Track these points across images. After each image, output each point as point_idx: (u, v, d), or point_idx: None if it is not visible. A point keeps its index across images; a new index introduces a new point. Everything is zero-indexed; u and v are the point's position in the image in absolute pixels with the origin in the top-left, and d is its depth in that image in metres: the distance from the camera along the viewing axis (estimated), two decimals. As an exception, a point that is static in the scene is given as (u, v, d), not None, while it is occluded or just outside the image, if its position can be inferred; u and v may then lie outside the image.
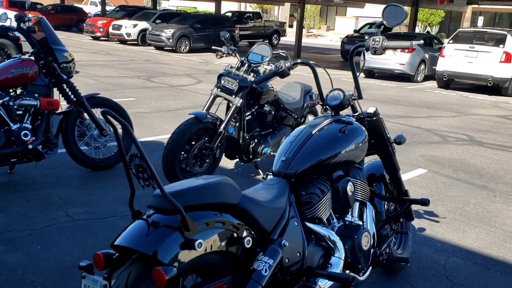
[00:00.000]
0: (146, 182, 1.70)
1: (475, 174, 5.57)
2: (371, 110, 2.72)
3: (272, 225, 2.07)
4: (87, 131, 4.65)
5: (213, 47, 5.27)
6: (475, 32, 13.38)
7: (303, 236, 2.19)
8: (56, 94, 4.38)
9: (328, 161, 2.37)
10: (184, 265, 1.69)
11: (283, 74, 3.54)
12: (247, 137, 4.62)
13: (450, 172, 5.57)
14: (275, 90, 4.78)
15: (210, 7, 36.22)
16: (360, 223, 2.51)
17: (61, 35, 4.57)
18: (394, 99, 10.79)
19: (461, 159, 6.18)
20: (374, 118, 2.72)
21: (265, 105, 4.75)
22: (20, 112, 4.15)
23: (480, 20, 34.74)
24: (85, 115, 4.59)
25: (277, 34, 25.93)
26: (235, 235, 1.86)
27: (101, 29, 21.16)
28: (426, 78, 14.48)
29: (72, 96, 4.45)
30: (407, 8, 2.65)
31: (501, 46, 12.16)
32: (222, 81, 4.52)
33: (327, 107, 2.66)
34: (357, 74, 2.74)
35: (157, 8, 30.79)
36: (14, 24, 4.32)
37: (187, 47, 18.88)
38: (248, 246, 1.89)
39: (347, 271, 2.37)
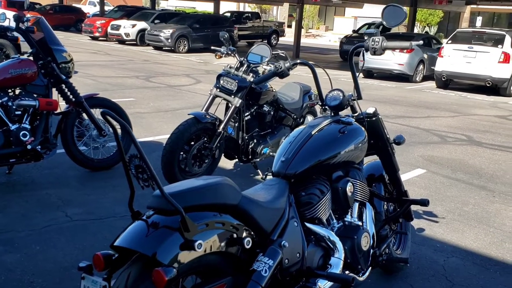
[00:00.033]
0: (145, 183, 1.70)
1: (474, 174, 5.58)
2: (370, 110, 2.72)
3: (272, 225, 2.07)
4: (86, 131, 4.65)
5: (212, 47, 5.27)
6: (473, 33, 13.40)
7: (303, 236, 2.19)
8: (55, 94, 4.37)
9: (328, 162, 2.37)
10: (184, 266, 1.69)
11: (282, 74, 3.54)
12: (246, 137, 4.62)
13: (449, 172, 5.57)
14: (274, 90, 4.78)
15: (208, 7, 36.20)
16: (360, 223, 2.51)
17: (60, 35, 4.57)
18: (393, 99, 10.79)
19: (460, 159, 6.18)
20: (374, 119, 2.72)
21: (264, 105, 4.75)
22: (19, 112, 4.14)
23: (479, 20, 34.78)
24: (84, 115, 4.59)
25: (276, 34, 25.92)
26: (235, 235, 1.86)
27: (99, 29, 21.14)
28: (425, 78, 14.49)
29: (71, 97, 4.44)
30: (406, 9, 2.65)
31: (499, 46, 12.18)
32: (221, 82, 4.52)
33: (326, 107, 2.66)
34: (357, 74, 2.74)
35: (156, 8, 30.77)
36: (13, 24, 4.31)
37: (186, 47, 18.87)
38: (248, 247, 1.89)
39: (347, 272, 2.37)
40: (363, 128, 2.60)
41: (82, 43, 19.54)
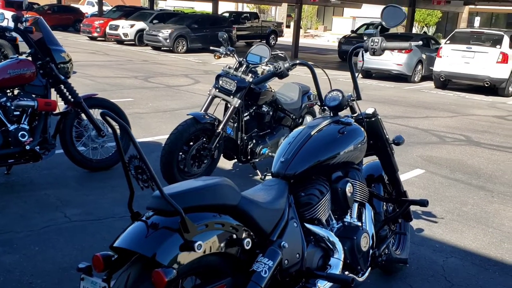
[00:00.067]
0: (145, 184, 1.70)
1: (472, 174, 5.58)
2: (370, 111, 2.72)
3: (272, 226, 2.06)
4: (84, 131, 4.64)
5: (211, 48, 5.27)
6: (472, 33, 13.42)
7: (302, 237, 2.19)
8: (54, 95, 4.36)
9: (327, 162, 2.37)
10: (183, 267, 1.69)
11: (281, 75, 3.54)
12: (245, 137, 4.61)
13: (447, 173, 5.58)
14: (273, 90, 4.78)
15: (207, 7, 36.20)
16: (359, 224, 2.51)
17: (58, 35, 4.56)
18: (391, 99, 10.80)
19: (458, 159, 6.19)
20: (373, 119, 2.72)
21: (263, 105, 4.75)
22: (18, 112, 4.13)
23: (477, 21, 34.83)
24: (83, 115, 4.58)
25: (274, 34, 25.93)
26: (234, 236, 1.86)
27: (98, 29, 21.13)
28: (423, 78, 14.50)
29: (69, 97, 4.44)
30: (405, 9, 2.65)
31: (498, 46, 12.19)
32: (220, 82, 4.51)
33: (325, 107, 2.66)
34: (356, 75, 2.74)
35: (154, 8, 30.75)
36: (11, 24, 4.30)
37: (184, 48, 18.86)
38: (247, 248, 1.89)
39: (346, 272, 2.37)
40: (362, 129, 2.59)
41: (80, 43, 19.52)
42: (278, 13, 44.40)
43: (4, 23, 4.80)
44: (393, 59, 13.61)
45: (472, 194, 4.90)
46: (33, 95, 4.20)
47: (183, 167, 4.30)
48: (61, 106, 4.44)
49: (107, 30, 20.66)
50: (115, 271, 1.73)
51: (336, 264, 2.26)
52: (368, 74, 14.50)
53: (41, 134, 4.23)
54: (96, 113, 4.64)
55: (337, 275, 2.17)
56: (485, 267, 3.40)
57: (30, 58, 4.24)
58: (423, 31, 34.47)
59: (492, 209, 4.52)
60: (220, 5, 27.32)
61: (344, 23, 39.88)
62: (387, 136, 2.80)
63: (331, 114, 2.63)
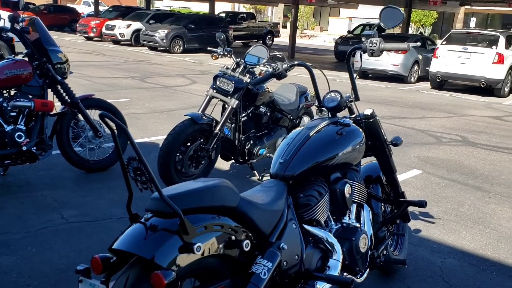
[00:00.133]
0: (144, 185, 1.69)
1: (469, 175, 5.59)
2: (368, 112, 2.72)
3: (271, 227, 2.06)
4: (81, 132, 4.62)
5: (208, 48, 5.26)
6: (468, 33, 13.46)
7: (301, 238, 2.19)
8: (51, 95, 4.34)
9: (326, 163, 2.36)
10: (182, 269, 1.68)
11: (280, 75, 3.54)
12: (242, 138, 4.61)
13: (444, 173, 5.59)
14: (270, 91, 4.78)
15: (203, 8, 36.18)
16: (358, 225, 2.51)
17: (54, 35, 4.54)
18: (388, 100, 10.82)
19: (455, 160, 6.20)
20: (371, 120, 2.72)
21: (261, 106, 4.74)
22: (14, 113, 4.11)
23: (473, 21, 34.94)
24: (80, 116, 4.57)
25: (271, 34, 25.94)
26: (233, 238, 1.85)
27: (94, 29, 21.08)
28: (420, 79, 14.54)
29: (66, 97, 4.42)
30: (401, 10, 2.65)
31: (493, 47, 12.23)
32: (218, 82, 4.51)
33: (322, 108, 2.66)
34: (354, 75, 2.74)
35: (151, 8, 30.70)
36: (8, 24, 4.29)
37: (181, 48, 18.84)
38: (246, 249, 1.88)
39: (345, 273, 2.37)
40: (360, 130, 2.59)
41: (76, 43, 19.47)
42: (275, 14, 44.42)
43: (1, 23, 4.78)
44: (390, 60, 13.64)
45: (469, 195, 4.91)
46: (30, 96, 4.18)
47: (180, 168, 4.30)
48: (57, 106, 4.42)
49: (104, 30, 20.61)
50: (114, 273, 1.72)
51: (335, 265, 2.25)
52: (365, 74, 14.52)
53: (38, 135, 4.21)
54: (93, 113, 4.62)
55: (336, 277, 2.17)
56: (483, 267, 3.40)
57: (26, 59, 4.22)
58: (419, 32, 34.56)
59: (489, 210, 4.53)
60: (216, 5, 27.32)
61: (340, 24, 39.95)
62: (385, 137, 2.80)
63: (330, 115, 2.63)
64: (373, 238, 2.59)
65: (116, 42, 20.41)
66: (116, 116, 4.66)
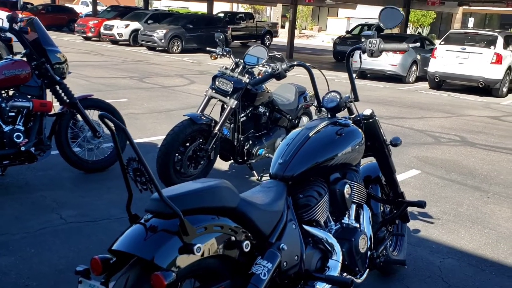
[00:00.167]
0: (144, 186, 1.69)
1: (468, 175, 5.60)
2: (367, 112, 2.72)
3: (270, 228, 2.06)
4: (80, 132, 4.61)
5: (207, 49, 5.26)
6: (466, 34, 13.49)
7: (301, 239, 2.18)
8: (49, 96, 4.34)
9: (325, 164, 2.36)
10: (182, 270, 1.68)
11: (279, 76, 3.53)
12: (241, 138, 4.61)
13: (443, 173, 5.59)
14: (269, 91, 4.78)
15: (202, 8, 36.16)
16: (357, 225, 2.51)
17: (52, 35, 4.53)
18: (386, 100, 10.83)
19: (454, 160, 6.21)
20: (371, 120, 2.72)
21: (260, 106, 4.74)
22: (13, 113, 4.10)
23: (471, 21, 35.01)
24: (78, 116, 4.56)
25: (269, 34, 25.95)
26: (233, 239, 1.85)
27: (92, 29, 21.06)
28: (418, 79, 14.55)
29: (65, 98, 4.41)
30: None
31: (492, 47, 12.26)
32: (217, 83, 4.51)
33: (321, 108, 2.66)
34: (354, 76, 2.74)
35: (149, 8, 30.68)
36: (6, 24, 4.27)
37: (179, 48, 18.83)
38: (246, 250, 1.88)
39: (345, 274, 2.37)
40: (360, 130, 2.59)
41: (74, 43, 19.45)
42: (273, 14, 44.44)
43: (-1, 23, 4.77)
44: (388, 60, 13.65)
45: (468, 195, 4.91)
46: (28, 96, 4.17)
47: (179, 168, 4.29)
48: (56, 107, 4.41)
49: (102, 30, 20.59)
50: (114, 274, 1.72)
51: (335, 266, 2.25)
52: (363, 74, 14.53)
53: (37, 135, 4.20)
54: (91, 114, 4.62)
55: (336, 277, 2.17)
56: (482, 267, 3.41)
57: (25, 59, 4.21)
58: (417, 32, 34.60)
59: (488, 210, 4.54)
60: (215, 5, 27.30)
61: (338, 24, 39.96)
62: (384, 138, 2.80)
63: (329, 116, 2.63)
64: (372, 239, 2.59)
65: (114, 42, 20.38)
66: (115, 116, 4.65)
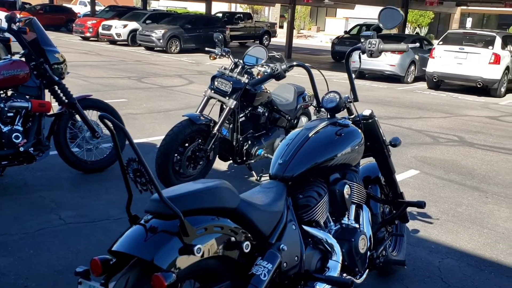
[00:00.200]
0: (144, 187, 1.68)
1: (466, 175, 5.61)
2: (367, 112, 2.72)
3: (270, 229, 2.06)
4: (79, 133, 4.61)
5: (206, 49, 5.26)
6: (464, 34, 13.51)
7: (301, 239, 2.18)
8: (48, 96, 4.33)
9: (325, 164, 2.36)
10: (183, 271, 1.68)
11: (279, 76, 3.54)
12: (240, 138, 4.60)
13: (442, 173, 5.60)
14: (268, 91, 4.78)
15: (200, 8, 36.14)
16: (357, 226, 2.51)
17: (50, 36, 4.52)
18: (385, 100, 10.84)
19: (452, 160, 6.22)
20: (370, 121, 2.72)
21: (259, 106, 4.74)
22: (11, 114, 4.09)
23: (469, 22, 35.06)
24: (77, 117, 4.55)
25: (267, 35, 25.95)
26: (233, 239, 1.85)
27: (90, 29, 21.03)
28: (416, 79, 14.57)
29: (63, 98, 4.40)
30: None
31: (490, 47, 12.27)
32: (216, 83, 4.50)
33: (320, 108, 2.66)
34: (353, 76, 2.74)
35: (147, 8, 30.66)
36: (5, 25, 4.26)
37: (178, 48, 18.82)
38: (246, 251, 1.88)
39: (344, 274, 2.37)
40: (359, 131, 2.59)
41: (73, 43, 19.42)
42: (271, 14, 44.44)
43: (-3, 24, 4.76)
44: (386, 60, 13.67)
45: (467, 195, 4.92)
46: (27, 96, 4.16)
47: (178, 169, 4.29)
48: (55, 107, 4.40)
49: (100, 30, 20.56)
50: (113, 275, 1.72)
51: (335, 267, 2.25)
52: (361, 74, 14.54)
53: (35, 135, 4.19)
54: (90, 114, 4.61)
55: (336, 278, 2.17)
56: (481, 267, 3.41)
57: (23, 59, 4.20)
58: (415, 32, 34.63)
59: (487, 210, 4.54)
60: (213, 5, 27.28)
61: (337, 24, 39.98)
62: (384, 138, 2.80)
63: (328, 116, 2.63)
64: (372, 239, 2.59)
65: (113, 42, 20.36)
66: (114, 116, 4.62)
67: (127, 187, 1.73)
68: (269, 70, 4.00)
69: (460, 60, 12.39)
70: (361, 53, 2.61)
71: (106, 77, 11.01)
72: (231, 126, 4.57)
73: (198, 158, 4.36)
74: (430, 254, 3.54)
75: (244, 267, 1.92)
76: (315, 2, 26.82)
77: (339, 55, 19.13)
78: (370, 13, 30.83)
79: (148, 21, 20.68)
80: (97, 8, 28.91)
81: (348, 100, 2.67)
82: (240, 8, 41.26)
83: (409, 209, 4.11)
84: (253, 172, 4.74)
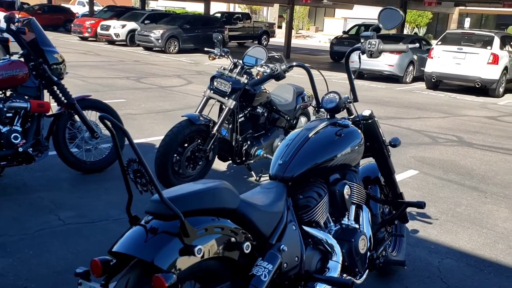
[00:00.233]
0: (144, 188, 1.68)
1: (465, 175, 5.61)
2: (366, 113, 2.72)
3: (271, 229, 2.06)
4: (78, 133, 4.60)
5: (205, 49, 5.25)
6: (463, 34, 13.52)
7: (301, 240, 2.18)
8: (47, 96, 4.32)
9: (325, 165, 2.36)
10: (183, 272, 1.67)
11: (278, 76, 3.53)
12: (240, 139, 4.60)
13: (441, 173, 5.60)
14: (267, 92, 4.78)
15: (199, 8, 36.13)
16: (357, 226, 2.51)
17: (49, 36, 4.51)
18: (383, 100, 10.84)
19: (451, 160, 6.22)
20: (370, 121, 2.72)
21: (258, 107, 4.74)
22: (10, 114, 4.08)
23: (467, 22, 35.10)
24: (76, 117, 4.54)
25: (266, 35, 25.96)
26: (234, 240, 1.85)
27: (89, 30, 21.00)
28: (415, 79, 14.58)
29: (62, 98, 4.40)
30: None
31: (488, 47, 12.29)
32: (215, 83, 4.50)
33: (319, 109, 2.66)
34: (353, 77, 2.74)
35: (146, 8, 30.63)
36: (3, 25, 4.26)
37: (176, 48, 18.81)
38: (247, 251, 1.87)
39: (344, 275, 2.37)
40: (359, 131, 2.59)
41: (71, 43, 19.40)
42: (270, 14, 44.43)
43: (-4, 24, 4.75)
44: (385, 60, 13.67)
45: (466, 195, 4.92)
46: (26, 97, 4.15)
47: (177, 169, 4.28)
48: (54, 107, 4.39)
49: (98, 30, 20.54)
50: (114, 276, 1.72)
51: (335, 267, 2.25)
52: (360, 75, 14.54)
53: (34, 136, 4.18)
54: (89, 114, 4.60)
55: (336, 279, 2.17)
56: (480, 268, 3.41)
57: (22, 59, 4.20)
58: (414, 32, 34.66)
59: (486, 210, 4.55)
60: (212, 6, 27.28)
61: (335, 24, 40.01)
62: (383, 138, 2.80)
63: (328, 116, 2.63)
64: (372, 239, 2.59)
65: (111, 42, 20.34)
66: (113, 117, 4.61)
67: (127, 187, 1.72)
68: (268, 71, 3.99)
69: (458, 60, 12.41)
70: (360, 54, 2.60)
71: (104, 77, 11.00)
72: (230, 126, 4.57)
73: (198, 159, 4.35)
74: (429, 254, 3.54)
75: (245, 267, 1.92)
76: (313, 2, 26.82)
77: (338, 55, 19.14)
78: (368, 13, 30.85)
79: (146, 21, 20.67)
80: (96, 8, 28.86)
81: (348, 100, 2.67)
82: (239, 8, 41.26)
83: (408, 209, 4.12)
84: (252, 172, 4.74)
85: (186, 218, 1.67)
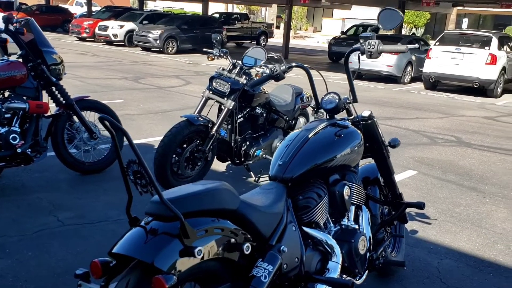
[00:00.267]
0: (144, 189, 1.67)
1: (464, 175, 5.62)
2: (366, 113, 2.73)
3: (271, 230, 2.05)
4: (76, 134, 4.59)
5: (204, 50, 5.25)
6: (461, 34, 13.53)
7: (301, 241, 2.18)
8: (45, 97, 4.31)
9: (325, 165, 2.36)
10: (183, 273, 1.67)
11: (278, 77, 3.53)
12: (239, 139, 4.60)
13: (439, 174, 5.61)
14: (266, 92, 4.78)
15: (197, 8, 36.13)
16: (356, 227, 2.51)
17: (47, 36, 4.51)
18: (382, 100, 10.85)
19: (450, 160, 6.23)
20: (369, 122, 2.72)
21: (257, 107, 4.74)
22: (9, 115, 4.07)
23: (465, 22, 35.15)
24: (75, 118, 4.54)
25: (264, 35, 25.96)
26: (234, 241, 1.84)
27: (87, 30, 20.97)
28: (413, 79, 14.59)
29: (61, 99, 4.39)
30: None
31: (486, 48, 12.31)
32: (214, 84, 4.50)
33: (318, 109, 2.66)
34: (352, 77, 2.74)
35: (144, 9, 30.61)
36: (2, 25, 4.25)
37: (175, 48, 18.80)
38: (247, 252, 1.87)
39: (344, 276, 2.37)
40: (359, 132, 2.59)
41: (69, 43, 19.37)
42: (268, 14, 44.44)
43: (-6, 25, 4.74)
44: (383, 61, 13.68)
45: (465, 195, 4.93)
46: (24, 97, 4.14)
47: (176, 170, 4.28)
48: (52, 108, 4.39)
49: (97, 30, 20.51)
50: (113, 278, 1.71)
51: (335, 268, 2.25)
52: (358, 75, 14.52)
53: (33, 136, 4.17)
54: (88, 115, 4.60)
55: (336, 279, 2.17)
56: (480, 268, 3.42)
57: (20, 60, 4.19)
58: (412, 33, 34.71)
59: (485, 210, 4.55)
60: (210, 6, 27.28)
61: (333, 25, 40.04)
62: (383, 139, 2.80)
63: (327, 117, 2.63)
64: (371, 240, 2.59)
65: (109, 42, 20.31)
66: (112, 117, 4.62)
67: (127, 189, 1.72)
68: (268, 71, 3.99)
69: (456, 61, 12.43)
70: (360, 54, 2.61)
71: (103, 78, 10.98)
72: (229, 127, 4.56)
73: (196, 159, 4.35)
74: (429, 255, 3.55)
75: (245, 268, 1.92)
76: (311, 3, 26.81)
77: (336, 55, 19.15)
78: (366, 14, 30.87)
79: (144, 22, 20.64)
80: (94, 8, 28.84)
81: (347, 101, 2.67)
82: (237, 8, 41.25)
83: (407, 210, 4.13)
84: (251, 173, 4.74)
85: (186, 219, 1.67)
